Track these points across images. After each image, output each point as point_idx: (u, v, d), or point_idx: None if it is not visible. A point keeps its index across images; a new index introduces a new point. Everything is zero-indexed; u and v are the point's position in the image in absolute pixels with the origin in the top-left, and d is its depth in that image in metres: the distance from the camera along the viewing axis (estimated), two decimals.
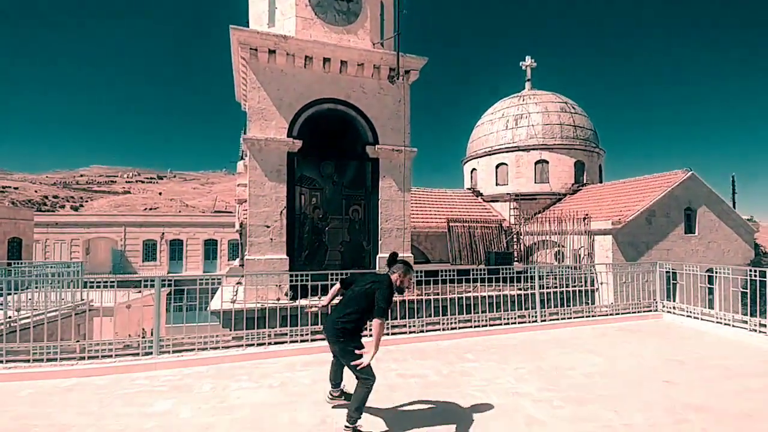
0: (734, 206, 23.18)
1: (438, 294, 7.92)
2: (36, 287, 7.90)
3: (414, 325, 6.91)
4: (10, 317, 7.03)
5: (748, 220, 18.42)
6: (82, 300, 8.21)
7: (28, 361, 5.22)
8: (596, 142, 22.76)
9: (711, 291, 8.37)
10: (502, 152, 22.40)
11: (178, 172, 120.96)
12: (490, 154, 22.92)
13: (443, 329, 7.02)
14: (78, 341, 5.50)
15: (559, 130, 21.74)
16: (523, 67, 24.74)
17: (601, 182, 22.45)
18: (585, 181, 21.71)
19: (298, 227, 9.76)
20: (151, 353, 5.50)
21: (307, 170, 10.02)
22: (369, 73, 10.04)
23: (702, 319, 7.72)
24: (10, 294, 6.22)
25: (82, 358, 5.29)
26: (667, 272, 8.95)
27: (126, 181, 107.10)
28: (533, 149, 21.65)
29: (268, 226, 9.22)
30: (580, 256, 16.56)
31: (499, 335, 7.12)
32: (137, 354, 5.50)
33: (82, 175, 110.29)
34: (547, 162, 21.60)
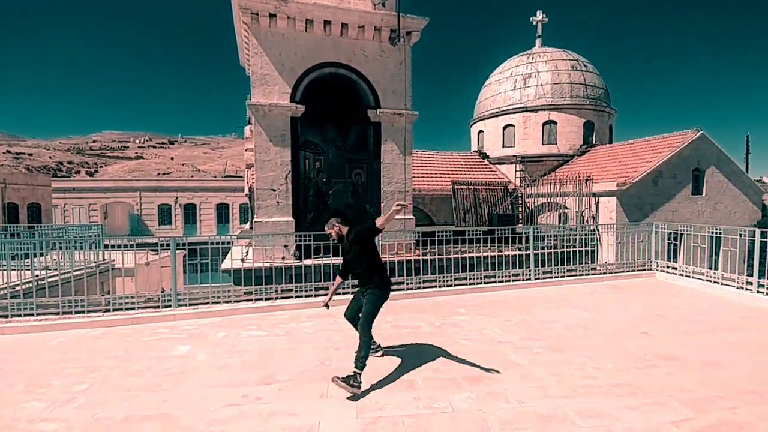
0: (747, 167, 22.88)
1: (436, 254, 8.28)
2: (61, 248, 8.47)
3: (411, 282, 7.33)
4: (37, 275, 7.62)
5: (756, 181, 18.20)
6: (104, 260, 8.80)
7: (58, 313, 5.78)
8: (607, 102, 22.27)
9: (717, 252, 8.49)
10: (510, 113, 22.09)
11: (189, 137, 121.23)
12: (497, 116, 22.64)
13: (439, 286, 7.43)
14: (103, 295, 6.04)
15: (569, 89, 21.26)
16: (534, 23, 23.87)
17: (611, 143, 22.14)
18: (594, 142, 21.44)
19: (302, 191, 10.10)
20: (170, 306, 6.03)
21: (311, 135, 10.22)
22: (370, 36, 9.99)
23: (693, 278, 7.99)
24: (35, 255, 6.74)
25: (107, 311, 5.84)
26: (670, 233, 9.14)
27: (138, 147, 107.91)
28: (541, 110, 21.30)
29: (274, 190, 9.56)
30: (583, 218, 16.72)
31: (493, 292, 7.52)
32: (158, 307, 6.03)
33: (95, 141, 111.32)
34: (556, 123, 21.29)
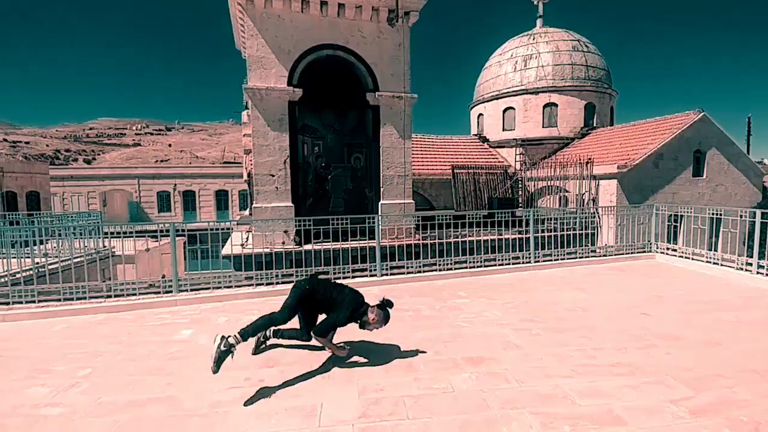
0: (749, 149, 22.75)
1: (436, 239, 8.29)
2: (61, 235, 8.47)
3: (411, 266, 7.35)
4: (38, 263, 7.65)
5: (757, 163, 18.14)
6: (104, 247, 8.82)
7: (59, 300, 5.80)
8: (609, 83, 22.04)
9: (717, 234, 8.49)
10: (510, 96, 21.89)
11: (186, 123, 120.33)
12: (497, 98, 22.43)
13: (439, 270, 7.46)
14: (104, 281, 6.06)
15: (570, 70, 21.02)
16: (535, 2, 23.47)
17: (612, 125, 21.99)
18: (595, 124, 21.30)
19: (301, 176, 10.05)
20: (172, 291, 6.05)
21: (309, 119, 10.13)
22: (367, 16, 9.81)
23: (693, 259, 8.01)
24: (35, 243, 6.74)
25: (109, 297, 5.87)
26: (670, 215, 9.14)
27: (135, 133, 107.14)
28: (542, 92, 21.10)
29: (272, 175, 9.52)
30: (584, 201, 16.71)
31: (493, 275, 7.55)
32: (159, 292, 6.06)
33: (91, 128, 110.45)
34: (556, 105, 21.11)
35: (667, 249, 8.75)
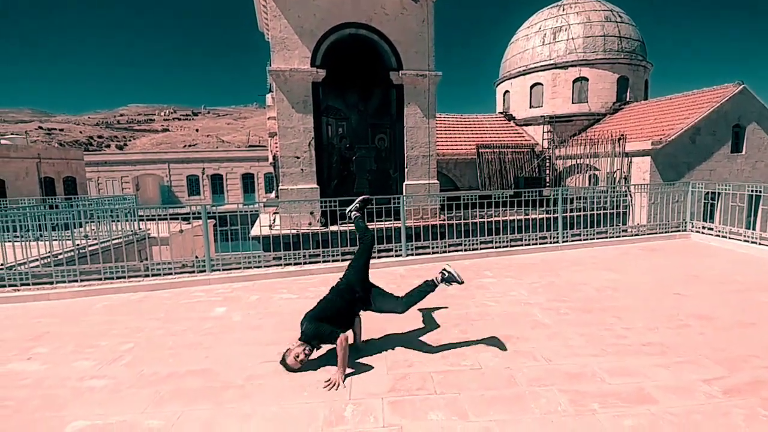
0: None
1: (461, 219, 8.23)
2: (99, 218, 8.88)
3: (436, 247, 7.36)
4: (78, 245, 8.04)
5: None
6: (140, 229, 9.19)
7: (100, 279, 6.12)
8: (643, 55, 20.96)
9: (755, 212, 8.14)
10: (538, 71, 21.14)
11: (211, 108, 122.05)
12: (524, 74, 21.72)
13: (465, 250, 7.44)
14: (142, 261, 6.35)
15: (602, 42, 20.08)
16: None
17: (646, 99, 21.02)
18: (628, 99, 20.39)
19: (326, 157, 10.11)
20: (205, 270, 6.29)
21: (332, 100, 10.11)
22: None
23: (729, 238, 7.71)
24: (75, 226, 7.08)
25: (147, 276, 6.15)
26: (707, 193, 8.78)
27: (164, 119, 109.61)
28: (572, 65, 20.27)
29: (298, 157, 9.61)
30: (615, 179, 16.18)
31: (519, 255, 7.48)
32: (193, 272, 6.30)
33: (122, 115, 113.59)
34: (587, 80, 20.28)
35: (703, 228, 8.43)
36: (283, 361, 3.42)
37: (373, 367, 3.44)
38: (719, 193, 8.58)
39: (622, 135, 15.84)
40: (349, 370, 3.38)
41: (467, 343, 3.85)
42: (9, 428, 2.78)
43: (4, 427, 2.80)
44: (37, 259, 6.62)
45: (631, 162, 15.73)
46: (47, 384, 3.38)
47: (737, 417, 2.66)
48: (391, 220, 7.67)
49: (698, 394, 2.91)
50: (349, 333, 3.64)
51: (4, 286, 5.87)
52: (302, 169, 9.69)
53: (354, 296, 3.66)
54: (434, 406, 2.87)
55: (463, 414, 2.77)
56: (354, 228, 4.21)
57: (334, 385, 3.15)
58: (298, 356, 3.33)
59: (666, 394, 2.91)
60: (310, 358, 3.44)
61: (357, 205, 4.12)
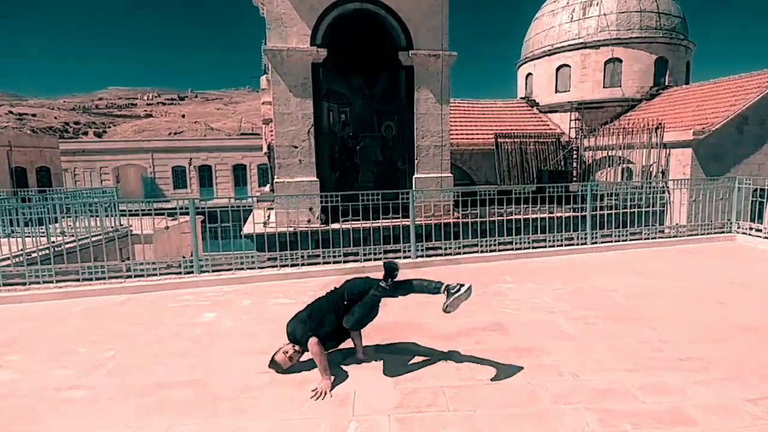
0: None
1: (477, 217, 8.22)
2: (76, 213, 8.97)
3: (449, 248, 7.37)
4: (53, 242, 8.14)
5: None
6: (122, 225, 9.30)
7: (78, 280, 6.19)
8: (685, 33, 20.75)
9: None
10: (565, 51, 20.99)
11: (200, 92, 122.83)
12: (549, 54, 21.58)
13: (481, 252, 7.44)
14: (123, 261, 6.42)
15: (638, 18, 19.89)
16: None
17: (687, 83, 20.83)
18: (667, 83, 20.21)
19: (327, 147, 10.13)
20: (193, 272, 6.35)
21: (335, 84, 10.13)
22: None
23: None
24: (50, 222, 7.17)
25: (129, 277, 6.22)
26: (755, 190, 8.71)
27: (147, 104, 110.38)
28: (603, 45, 20.10)
29: (295, 147, 9.64)
30: (651, 173, 16.07)
31: (542, 258, 7.48)
32: (180, 273, 6.37)
33: (100, 99, 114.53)
34: (621, 61, 20.11)
35: (750, 229, 8.36)
36: (272, 362, 3.56)
37: (378, 381, 3.47)
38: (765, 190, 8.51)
39: (660, 123, 15.71)
40: (352, 384, 3.41)
41: (483, 356, 3.87)
42: None
43: None
44: (8, 258, 6.70)
45: (669, 154, 15.60)
46: (20, 394, 3.44)
47: None
48: (398, 218, 7.69)
49: (743, 415, 2.90)
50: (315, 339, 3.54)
51: None
52: (300, 160, 9.72)
53: (342, 309, 3.68)
54: (447, 425, 2.89)
55: None
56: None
57: (320, 395, 3.23)
58: (287, 353, 3.51)
59: (707, 415, 2.91)
60: (302, 360, 3.54)
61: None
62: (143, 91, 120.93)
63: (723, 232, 8.53)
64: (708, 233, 8.46)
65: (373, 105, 10.38)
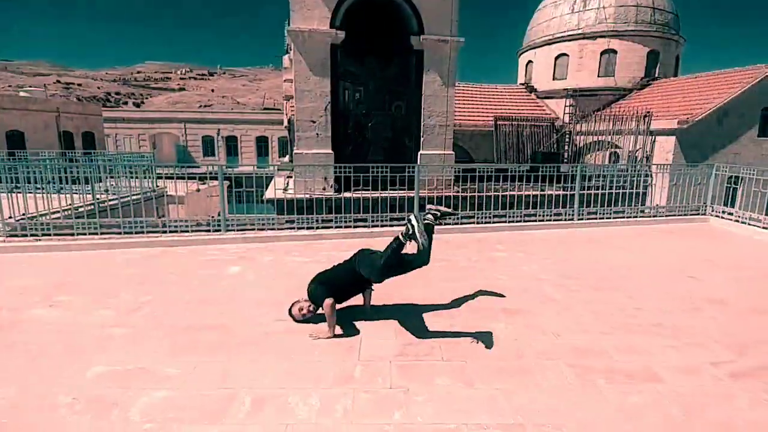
0: None
1: (476, 192, 8.13)
2: (118, 174, 9.01)
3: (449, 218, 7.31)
4: (98, 198, 8.18)
5: None
6: (158, 186, 9.32)
7: (120, 233, 6.25)
8: (676, 29, 19.89)
9: None
10: (564, 41, 20.24)
11: (227, 69, 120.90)
12: (549, 44, 20.83)
13: (477, 222, 7.40)
14: (160, 217, 6.45)
15: (634, 13, 19.05)
16: None
17: (676, 76, 20.11)
18: (657, 75, 19.52)
19: (342, 123, 9.97)
20: (220, 230, 6.38)
21: (350, 65, 9.87)
22: None
23: (749, 225, 7.51)
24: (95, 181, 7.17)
25: (164, 232, 6.27)
26: (729, 177, 8.51)
27: (180, 78, 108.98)
28: (601, 36, 19.35)
29: (313, 121, 9.50)
30: (636, 158, 15.74)
31: (533, 231, 7.41)
32: (209, 231, 6.41)
33: (139, 72, 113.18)
34: (616, 52, 19.39)
35: (723, 213, 8.22)
36: (289, 311, 3.64)
37: (381, 333, 3.51)
38: (742, 178, 8.31)
39: (648, 112, 15.27)
40: (358, 335, 3.45)
41: (476, 315, 3.89)
42: (33, 370, 2.92)
43: (29, 368, 2.94)
44: (58, 211, 6.76)
45: (654, 141, 15.25)
46: (69, 330, 3.52)
47: (742, 400, 2.67)
48: (404, 189, 7.62)
49: (705, 376, 2.92)
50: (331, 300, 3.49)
51: (26, 235, 6.04)
52: (317, 134, 9.60)
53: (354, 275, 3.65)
54: (441, 372, 2.93)
55: (469, 382, 2.83)
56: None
57: (317, 337, 3.39)
58: (301, 309, 3.56)
59: (673, 374, 2.92)
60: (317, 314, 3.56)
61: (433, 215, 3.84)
62: (177, 66, 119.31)
63: (698, 215, 8.40)
64: (685, 215, 8.33)
65: (385, 86, 10.14)
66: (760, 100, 14.98)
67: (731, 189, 8.84)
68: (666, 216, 8.30)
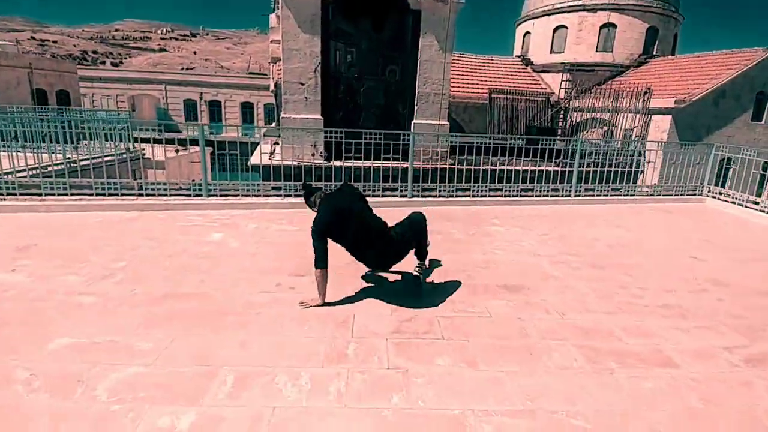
0: None
1: (472, 165, 7.85)
2: (91, 132, 8.42)
3: (444, 190, 7.07)
4: (68, 158, 7.65)
5: None
6: (134, 148, 8.79)
7: (92, 194, 5.83)
8: (676, 5, 19.49)
9: None
10: (564, 12, 19.68)
11: (211, 30, 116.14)
12: (548, 14, 20.24)
13: (472, 196, 7.16)
14: (136, 179, 6.03)
15: None
16: None
17: (673, 54, 19.85)
18: (655, 52, 19.24)
19: (332, 86, 9.47)
20: (201, 195, 6.00)
21: (342, 23, 9.28)
22: None
23: (746, 207, 7.45)
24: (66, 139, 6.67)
25: (141, 195, 5.86)
26: (724, 158, 8.41)
27: (160, 38, 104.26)
28: (601, 9, 18.85)
29: (302, 84, 8.98)
30: (631, 136, 15.60)
31: (529, 206, 7.22)
32: (189, 195, 6.02)
33: (117, 30, 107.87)
34: (615, 26, 18.96)
35: (719, 194, 8.14)
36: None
37: (377, 308, 3.27)
38: (734, 159, 8.24)
39: (648, 88, 15.01)
40: (352, 308, 3.21)
41: (475, 291, 3.68)
42: None
43: None
44: (24, 170, 6.26)
45: (650, 119, 15.09)
46: (32, 297, 3.20)
47: (760, 388, 2.53)
48: (398, 160, 7.30)
49: (720, 362, 2.77)
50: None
51: None
52: (306, 98, 9.09)
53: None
54: (441, 352, 2.72)
55: (472, 362, 2.62)
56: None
57: (306, 305, 3.19)
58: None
59: (687, 359, 2.77)
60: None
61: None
62: (157, 25, 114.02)
63: (695, 195, 8.32)
64: (681, 195, 8.24)
65: (379, 48, 9.60)
66: (755, 84, 14.89)
67: (725, 170, 8.78)
68: (663, 195, 8.19)
